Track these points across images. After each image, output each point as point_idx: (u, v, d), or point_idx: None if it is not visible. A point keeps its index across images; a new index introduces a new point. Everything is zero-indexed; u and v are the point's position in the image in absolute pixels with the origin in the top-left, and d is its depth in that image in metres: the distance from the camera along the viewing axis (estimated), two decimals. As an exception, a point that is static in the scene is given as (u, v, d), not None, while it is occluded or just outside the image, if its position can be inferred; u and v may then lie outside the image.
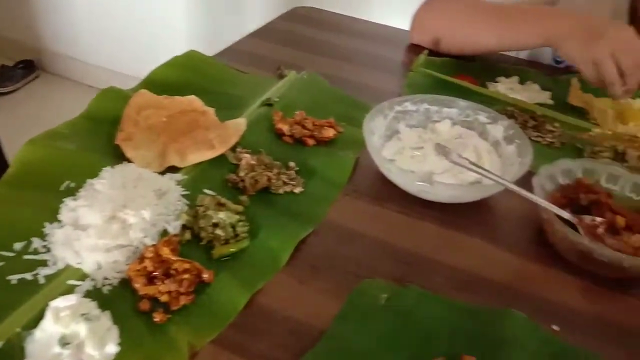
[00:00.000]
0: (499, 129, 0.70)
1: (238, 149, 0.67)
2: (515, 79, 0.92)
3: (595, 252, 0.53)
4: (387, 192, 0.65)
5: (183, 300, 0.50)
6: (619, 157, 0.73)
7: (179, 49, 0.89)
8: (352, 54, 1.01)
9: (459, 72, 0.93)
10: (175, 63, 0.84)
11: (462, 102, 0.72)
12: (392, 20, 1.13)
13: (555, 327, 0.51)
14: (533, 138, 0.78)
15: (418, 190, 0.61)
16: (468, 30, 0.95)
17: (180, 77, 0.81)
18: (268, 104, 0.78)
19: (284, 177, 0.64)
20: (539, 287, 0.55)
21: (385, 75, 0.93)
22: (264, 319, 0.49)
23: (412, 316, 0.50)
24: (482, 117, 0.72)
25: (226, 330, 0.48)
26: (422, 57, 0.92)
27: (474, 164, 0.58)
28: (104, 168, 0.62)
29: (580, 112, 0.85)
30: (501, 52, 1.00)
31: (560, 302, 0.54)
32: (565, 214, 0.57)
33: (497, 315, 0.50)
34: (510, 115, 0.80)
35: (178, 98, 0.75)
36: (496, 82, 0.92)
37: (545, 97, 0.88)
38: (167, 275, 0.51)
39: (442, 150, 0.55)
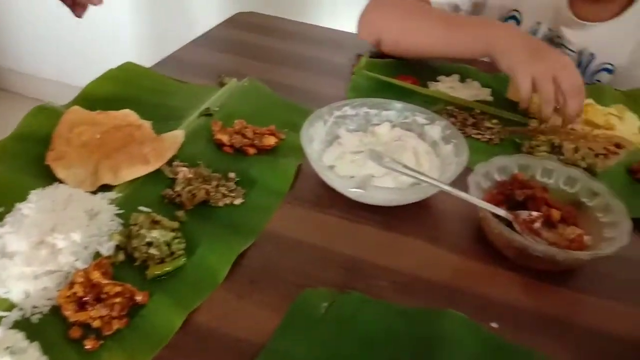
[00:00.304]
0: (436, 129, 0.71)
1: (175, 163, 0.66)
2: (455, 77, 0.93)
3: (530, 248, 0.54)
4: (329, 198, 0.65)
5: (116, 325, 0.48)
6: (556, 150, 0.75)
7: (128, 58, 0.86)
8: (296, 59, 1.00)
9: (401, 73, 0.94)
10: (110, 76, 0.81)
11: (399, 104, 0.73)
12: (340, 24, 1.14)
13: (494, 325, 0.51)
14: (473, 136, 0.79)
15: (356, 195, 0.61)
16: (414, 33, 0.94)
17: (115, 90, 0.79)
18: (207, 114, 0.77)
19: (223, 189, 0.63)
20: (479, 285, 0.56)
21: (330, 80, 0.93)
22: (201, 338, 0.48)
23: (353, 323, 0.50)
24: (420, 118, 0.72)
25: (161, 353, 0.47)
26: (364, 59, 0.93)
27: (407, 167, 0.58)
28: (32, 191, 0.59)
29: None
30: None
31: (500, 299, 0.55)
32: (501, 211, 0.58)
33: (436, 316, 0.51)
34: (450, 114, 0.81)
35: (112, 113, 0.72)
36: (437, 81, 0.93)
37: (485, 94, 0.90)
38: (98, 299, 0.49)
39: (374, 155, 0.55)
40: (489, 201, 0.62)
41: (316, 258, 0.58)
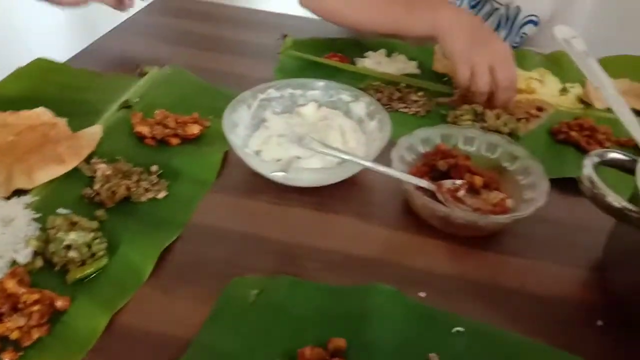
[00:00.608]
0: (361, 106, 0.71)
1: (93, 160, 0.63)
2: (382, 52, 0.93)
3: (452, 216, 0.56)
4: (257, 184, 0.64)
5: (36, 334, 0.46)
6: (479, 118, 0.77)
7: (44, 52, 0.82)
8: (222, 43, 0.98)
9: (329, 51, 0.93)
10: (20, 74, 0.77)
11: (321, 83, 0.72)
12: (266, 4, 1.11)
13: (422, 294, 0.52)
14: (400, 109, 0.80)
15: (282, 178, 0.60)
16: (361, 8, 0.89)
17: (26, 89, 0.75)
18: (127, 106, 0.74)
19: (145, 184, 0.61)
20: (407, 256, 0.57)
21: (257, 62, 0.91)
22: (127, 338, 0.47)
23: (284, 307, 0.50)
24: (345, 96, 0.72)
25: (86, 358, 0.45)
26: (290, 39, 0.91)
27: (329, 146, 0.57)
28: (-62, 203, 0.56)
29: (446, 78, 0.89)
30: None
31: (427, 268, 0.56)
32: (423, 183, 0.59)
33: (365, 291, 0.51)
34: (377, 90, 0.82)
35: (24, 113, 0.69)
36: (364, 57, 0.93)
37: (412, 67, 0.91)
38: (15, 309, 0.47)
39: (295, 137, 0.54)
40: (414, 174, 0.63)
41: (246, 246, 0.57)
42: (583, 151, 0.74)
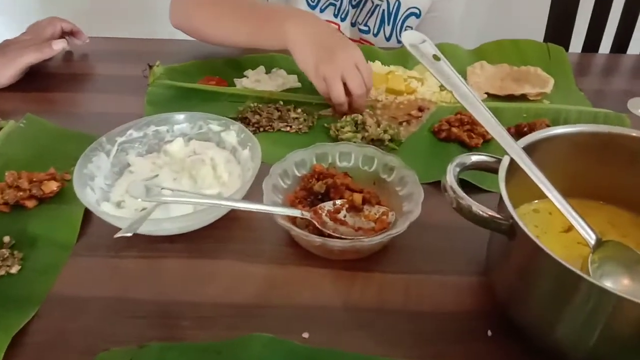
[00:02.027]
0: (232, 134, 0.67)
1: None
2: (261, 69, 0.90)
3: (329, 245, 0.53)
4: (124, 238, 0.58)
5: None
6: (360, 127, 0.75)
7: None
8: (84, 81, 0.91)
9: (206, 74, 0.89)
10: None
11: (182, 115, 0.68)
12: (133, 31, 1.05)
13: (305, 335, 0.49)
14: (282, 129, 0.76)
15: (149, 230, 0.55)
16: (222, 23, 0.89)
17: None
18: (-27, 171, 0.66)
19: (-8, 261, 0.54)
20: (292, 293, 0.53)
21: (125, 97, 0.85)
22: None
23: (154, 379, 0.45)
24: (214, 126, 0.68)
25: None
26: (159, 68, 0.86)
27: (182, 192, 0.52)
28: None
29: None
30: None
31: (312, 302, 0.52)
32: (296, 212, 0.56)
33: (240, 345, 0.47)
34: (255, 112, 0.78)
35: None
36: (244, 76, 0.89)
37: (292, 81, 0.88)
38: None
39: (137, 190, 0.49)
40: (292, 200, 0.60)
41: (113, 314, 0.51)
42: (467, 147, 0.74)
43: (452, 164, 0.49)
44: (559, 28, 1.14)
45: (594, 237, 0.48)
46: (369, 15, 1.09)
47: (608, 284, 0.45)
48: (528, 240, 0.42)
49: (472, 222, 0.47)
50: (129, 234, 0.48)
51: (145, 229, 0.54)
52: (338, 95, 0.75)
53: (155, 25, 1.12)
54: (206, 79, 0.87)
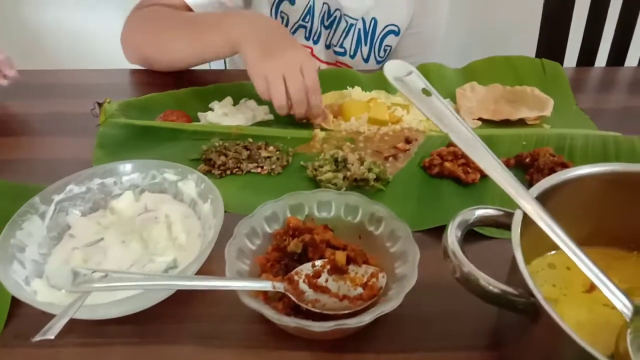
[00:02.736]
0: (190, 185, 0.57)
1: None
2: (228, 100, 0.80)
3: (306, 328, 0.43)
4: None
5: None
6: (341, 166, 0.65)
7: None
8: (24, 124, 0.80)
9: (165, 108, 0.79)
10: None
11: (129, 165, 0.58)
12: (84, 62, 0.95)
13: None
14: (252, 170, 0.67)
15: (87, 316, 0.45)
16: (165, 44, 0.85)
17: None
18: None
19: None
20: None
21: (73, 140, 0.74)
22: None
23: None
24: (170, 175, 0.58)
25: None
26: (111, 105, 0.75)
27: (120, 273, 0.41)
28: None
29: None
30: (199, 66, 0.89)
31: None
32: (266, 285, 0.46)
33: None
34: (221, 153, 0.68)
35: None
36: (209, 109, 0.79)
37: (263, 113, 0.78)
38: None
39: (60, 278, 0.39)
40: (263, 265, 0.50)
41: None
42: (463, 183, 0.65)
43: (453, 223, 0.40)
44: (551, 41, 1.07)
45: (630, 305, 0.39)
46: (343, 35, 1.00)
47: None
48: (555, 326, 0.33)
49: (480, 298, 0.38)
50: (51, 337, 0.38)
51: (81, 316, 0.44)
52: (278, 96, 0.70)
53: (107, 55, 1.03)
54: (167, 114, 0.77)
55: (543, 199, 0.42)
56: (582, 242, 0.41)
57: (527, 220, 0.41)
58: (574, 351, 0.34)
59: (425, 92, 0.44)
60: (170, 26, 0.84)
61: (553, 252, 0.49)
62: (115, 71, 0.92)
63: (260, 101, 0.80)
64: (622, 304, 0.39)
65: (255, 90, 0.72)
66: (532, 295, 0.35)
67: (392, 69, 0.44)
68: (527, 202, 0.40)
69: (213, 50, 0.79)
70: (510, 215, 0.41)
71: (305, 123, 0.76)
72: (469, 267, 0.38)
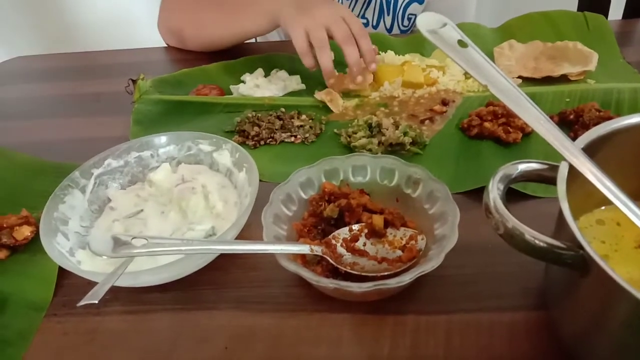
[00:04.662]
0: (225, 155, 0.57)
1: None
2: (259, 72, 0.80)
3: (345, 289, 0.42)
4: (109, 289, 0.49)
5: None
6: (375, 131, 0.64)
7: None
8: (64, 103, 0.82)
9: (200, 82, 0.79)
10: None
11: (164, 137, 0.58)
12: (115, 42, 0.96)
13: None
14: (286, 140, 0.66)
15: (129, 283, 0.46)
16: (205, 25, 0.86)
17: None
18: None
19: (-53, 334, 0.45)
20: (304, 350, 0.43)
21: (110, 118, 0.76)
22: None
23: None
24: (205, 146, 0.58)
25: None
26: (145, 82, 0.76)
27: (160, 238, 0.41)
28: None
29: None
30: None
31: (332, 357, 0.43)
32: (304, 248, 0.46)
33: None
34: (254, 123, 0.68)
35: None
36: (241, 82, 0.79)
37: (295, 83, 0.77)
38: None
39: (100, 245, 0.39)
40: (300, 230, 0.50)
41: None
42: (504, 144, 0.62)
43: (495, 178, 0.39)
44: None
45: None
46: (365, 6, 0.98)
47: None
48: (606, 279, 0.32)
49: (525, 254, 0.36)
50: (95, 301, 0.39)
51: (123, 283, 0.45)
52: (320, 40, 0.70)
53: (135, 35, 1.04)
54: (199, 88, 0.78)
55: (590, 151, 0.40)
56: (633, 195, 0.38)
57: (573, 173, 0.39)
58: (628, 304, 0.32)
59: (462, 43, 0.42)
60: (209, 7, 0.85)
61: (602, 208, 0.47)
62: (147, 49, 0.93)
63: (292, 71, 0.79)
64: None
65: (295, 49, 0.72)
66: (580, 247, 0.33)
67: (426, 21, 0.42)
68: (572, 154, 0.38)
69: (255, 28, 0.80)
70: (555, 169, 0.39)
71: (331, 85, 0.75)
72: (513, 222, 0.36)
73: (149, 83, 0.77)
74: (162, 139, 0.58)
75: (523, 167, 0.40)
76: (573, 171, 0.39)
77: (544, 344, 0.42)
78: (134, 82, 0.75)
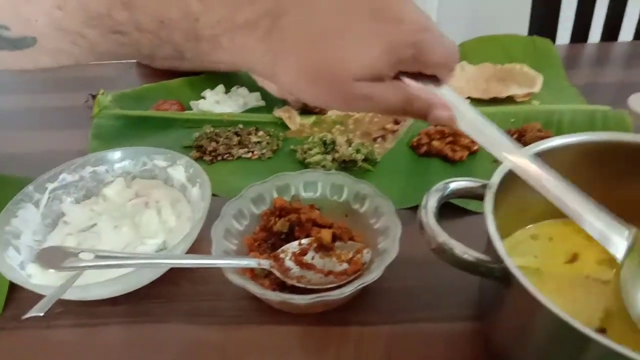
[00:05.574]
0: (179, 170, 0.58)
1: None
2: (220, 88, 0.81)
3: (290, 302, 0.44)
4: (59, 303, 0.50)
5: None
6: (330, 148, 0.66)
7: None
8: (19, 117, 0.82)
9: (161, 98, 0.81)
10: None
11: (118, 153, 0.59)
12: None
13: (267, 416, 0.41)
14: (243, 156, 0.68)
15: (79, 297, 0.47)
16: None
17: None
18: None
19: None
20: (253, 355, 0.45)
21: (68, 132, 0.76)
22: None
23: None
24: (159, 162, 0.59)
25: None
26: (106, 96, 0.77)
27: (108, 252, 0.42)
28: None
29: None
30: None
31: (277, 368, 0.44)
32: (251, 263, 0.47)
33: None
34: (212, 139, 0.69)
35: None
36: (202, 97, 0.81)
37: (254, 99, 0.79)
38: None
39: (47, 258, 0.40)
40: (250, 244, 0.51)
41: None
42: (451, 161, 0.65)
43: (428, 195, 0.41)
44: (543, 18, 1.06)
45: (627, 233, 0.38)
46: None
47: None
48: (525, 292, 0.34)
49: (455, 267, 0.39)
50: (41, 314, 0.39)
51: (73, 296, 0.45)
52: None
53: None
54: (160, 103, 0.79)
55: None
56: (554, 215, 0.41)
57: (505, 188, 0.42)
58: (546, 318, 0.34)
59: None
60: None
61: (535, 224, 0.50)
62: (109, 65, 0.94)
63: (253, 88, 0.81)
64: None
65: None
66: (501, 260, 0.36)
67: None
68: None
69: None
70: (486, 186, 0.42)
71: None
72: (443, 237, 0.39)
73: (109, 98, 0.78)
74: (117, 154, 0.59)
75: (454, 185, 0.43)
76: (505, 185, 0.42)
77: (477, 353, 0.44)
78: (94, 97, 0.76)
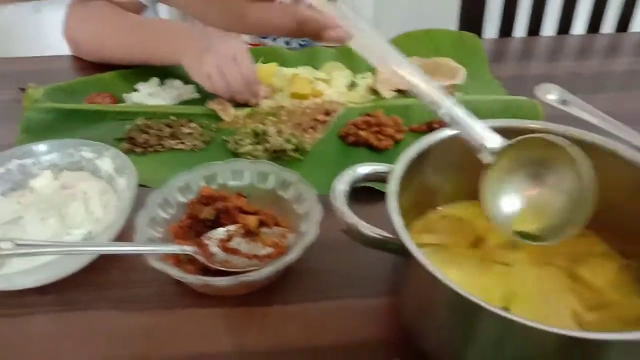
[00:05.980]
0: (107, 161, 0.59)
1: None
2: (154, 81, 0.82)
3: (211, 284, 0.46)
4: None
5: None
6: (261, 138, 0.68)
7: None
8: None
9: (95, 91, 0.80)
10: None
11: (44, 146, 0.59)
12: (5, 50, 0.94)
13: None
14: (174, 147, 0.69)
15: (2, 287, 0.47)
16: (109, 50, 0.87)
17: None
18: None
19: None
20: (180, 341, 0.46)
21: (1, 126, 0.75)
22: None
23: None
24: (87, 153, 0.60)
25: None
26: (37, 90, 0.76)
27: (29, 241, 0.43)
28: None
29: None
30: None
31: (205, 348, 0.46)
32: (174, 248, 0.49)
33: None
34: (143, 131, 0.70)
35: None
36: (135, 90, 0.81)
37: (189, 92, 0.80)
38: None
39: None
40: (176, 232, 0.53)
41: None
42: (377, 150, 0.69)
43: (339, 179, 0.44)
44: (471, 14, 1.11)
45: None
46: None
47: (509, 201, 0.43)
48: (419, 265, 0.37)
49: (365, 246, 0.42)
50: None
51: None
52: (218, 88, 0.74)
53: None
54: (93, 96, 0.78)
55: (425, 155, 0.46)
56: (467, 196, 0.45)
57: (414, 171, 0.45)
58: (441, 289, 0.37)
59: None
60: (115, 32, 0.86)
61: (445, 205, 0.53)
62: (41, 58, 0.92)
63: (186, 81, 0.82)
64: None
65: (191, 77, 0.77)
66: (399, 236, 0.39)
67: None
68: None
69: (158, 59, 0.82)
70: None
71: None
72: (352, 218, 0.41)
73: (41, 92, 0.77)
74: (44, 146, 0.59)
75: (362, 169, 0.45)
76: (416, 170, 0.45)
77: (391, 326, 0.47)
78: (23, 90, 0.75)
